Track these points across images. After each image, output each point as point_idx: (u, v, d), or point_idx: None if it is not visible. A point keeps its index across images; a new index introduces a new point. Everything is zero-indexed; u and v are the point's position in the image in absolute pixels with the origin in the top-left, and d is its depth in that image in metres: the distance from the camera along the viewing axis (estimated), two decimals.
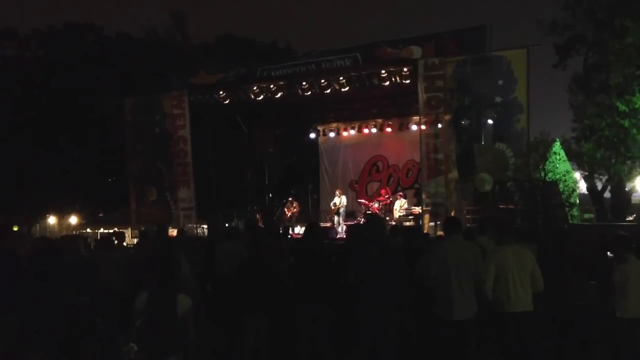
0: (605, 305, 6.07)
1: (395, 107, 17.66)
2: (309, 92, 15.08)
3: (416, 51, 13.55)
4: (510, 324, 5.59)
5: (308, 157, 21.11)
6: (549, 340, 6.58)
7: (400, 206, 16.28)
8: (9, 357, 6.35)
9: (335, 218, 17.25)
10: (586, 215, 22.11)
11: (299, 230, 16.61)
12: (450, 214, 12.40)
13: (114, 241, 8.83)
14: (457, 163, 12.81)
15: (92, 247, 10.36)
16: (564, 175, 19.47)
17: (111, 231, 15.84)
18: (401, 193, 17.22)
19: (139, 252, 8.86)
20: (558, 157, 20.90)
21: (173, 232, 13.41)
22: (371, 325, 5.92)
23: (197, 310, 4.80)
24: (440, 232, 11.05)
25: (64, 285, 6.62)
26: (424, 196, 15.09)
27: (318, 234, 7.11)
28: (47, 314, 6.38)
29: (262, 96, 15.52)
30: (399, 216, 15.95)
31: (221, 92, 15.92)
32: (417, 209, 15.84)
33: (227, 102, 16.09)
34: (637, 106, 18.54)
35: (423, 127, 13.43)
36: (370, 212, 16.29)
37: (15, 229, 23.29)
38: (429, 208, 13.31)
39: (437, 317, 5.63)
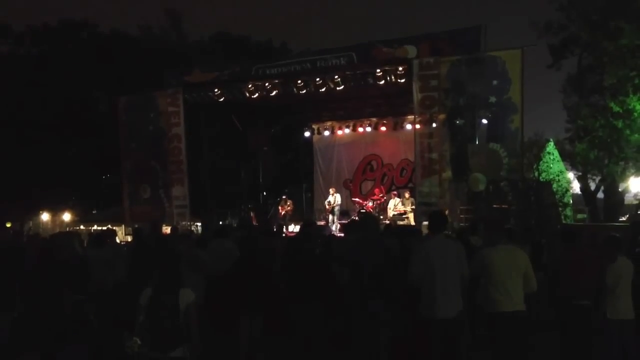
0: (598, 306, 6.10)
1: (390, 106, 17.69)
2: (304, 91, 15.06)
3: (411, 51, 13.55)
4: (502, 324, 5.56)
5: (302, 156, 21.12)
6: (542, 340, 6.62)
7: (394, 205, 16.31)
8: (5, 355, 6.34)
9: (330, 217, 17.26)
10: (579, 216, 22.25)
11: (293, 228, 16.61)
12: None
13: (106, 239, 8.81)
14: (451, 163, 12.83)
15: (85, 245, 10.33)
16: (558, 176, 19.62)
17: (104, 228, 15.80)
18: (395, 192, 17.25)
19: (134, 249, 8.84)
20: (552, 158, 21.05)
21: (167, 229, 13.39)
22: (365, 324, 5.95)
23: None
24: None
25: (60, 283, 6.61)
26: (406, 195, 15.23)
27: (313, 233, 7.14)
28: (42, 312, 6.37)
29: (256, 94, 15.48)
30: (393, 215, 15.99)
31: (216, 90, 15.88)
32: (406, 208, 15.91)
33: (221, 100, 16.05)
34: (630, 107, 18.63)
35: (417, 126, 13.44)
36: (364, 210, 16.33)
37: (8, 225, 23.24)
38: (423, 207, 13.32)
39: (423, 316, 5.64)
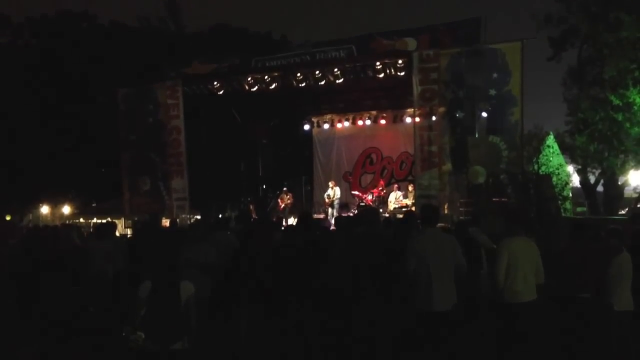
0: (602, 298, 6.11)
1: (390, 99, 17.65)
2: (303, 84, 15.01)
3: (411, 43, 13.51)
4: (521, 313, 5.74)
5: (302, 149, 21.10)
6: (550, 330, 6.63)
7: (395, 198, 16.31)
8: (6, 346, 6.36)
9: (329, 210, 17.26)
10: (579, 209, 22.28)
11: (292, 221, 16.60)
12: (444, 206, 12.44)
13: (106, 231, 8.82)
14: (450, 155, 12.80)
15: (85, 237, 10.34)
16: (557, 169, 19.60)
17: (104, 221, 15.80)
18: (396, 185, 17.24)
19: (134, 241, 8.85)
20: (551, 150, 21.02)
21: (166, 222, 13.38)
22: (364, 317, 5.96)
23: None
24: None
25: (59, 274, 6.63)
26: (410, 188, 15.16)
27: (311, 226, 7.12)
28: (42, 302, 6.38)
29: (256, 87, 15.44)
30: (394, 208, 15.99)
31: (215, 83, 15.83)
32: (406, 201, 15.90)
33: (221, 92, 16.00)
34: (630, 100, 18.61)
35: (417, 119, 13.39)
36: (364, 204, 16.33)
37: (8, 218, 23.25)
38: (422, 200, 13.30)
39: (417, 309, 5.67)
